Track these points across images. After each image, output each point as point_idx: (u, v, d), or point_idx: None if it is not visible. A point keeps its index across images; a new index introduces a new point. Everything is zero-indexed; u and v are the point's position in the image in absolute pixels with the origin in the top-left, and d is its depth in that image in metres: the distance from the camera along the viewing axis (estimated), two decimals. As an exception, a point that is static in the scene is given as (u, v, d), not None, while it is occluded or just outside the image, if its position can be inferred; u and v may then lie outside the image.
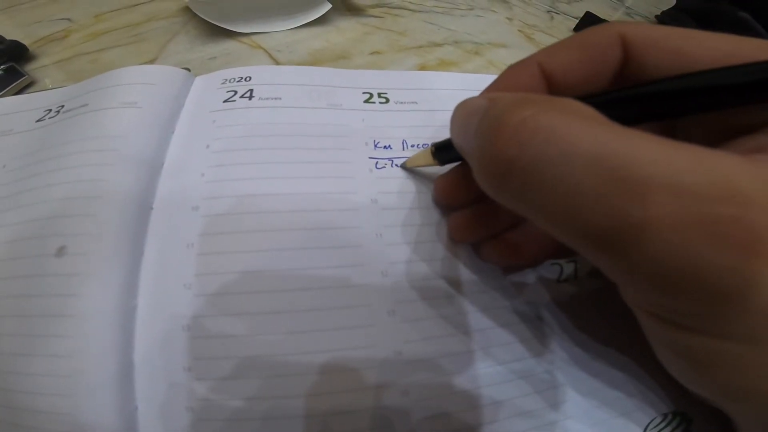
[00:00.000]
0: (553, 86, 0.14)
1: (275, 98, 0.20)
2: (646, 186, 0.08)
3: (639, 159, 0.09)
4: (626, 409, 0.17)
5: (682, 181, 0.08)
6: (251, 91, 0.20)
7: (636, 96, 0.12)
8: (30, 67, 0.25)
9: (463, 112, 0.13)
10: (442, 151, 0.17)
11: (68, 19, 0.28)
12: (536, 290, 0.18)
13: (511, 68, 0.15)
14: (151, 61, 0.25)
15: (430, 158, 0.18)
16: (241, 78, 0.21)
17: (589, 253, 0.10)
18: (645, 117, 0.12)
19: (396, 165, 0.19)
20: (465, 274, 0.18)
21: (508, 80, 0.15)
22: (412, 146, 0.20)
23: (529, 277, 0.18)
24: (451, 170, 0.17)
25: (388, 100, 0.21)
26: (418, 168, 0.19)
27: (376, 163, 0.19)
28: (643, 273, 0.09)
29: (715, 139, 0.12)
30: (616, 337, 0.18)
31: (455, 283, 0.17)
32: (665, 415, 0.17)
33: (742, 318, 0.09)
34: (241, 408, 0.15)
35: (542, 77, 0.14)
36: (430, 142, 0.20)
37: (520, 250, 0.17)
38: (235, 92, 0.20)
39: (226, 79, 0.21)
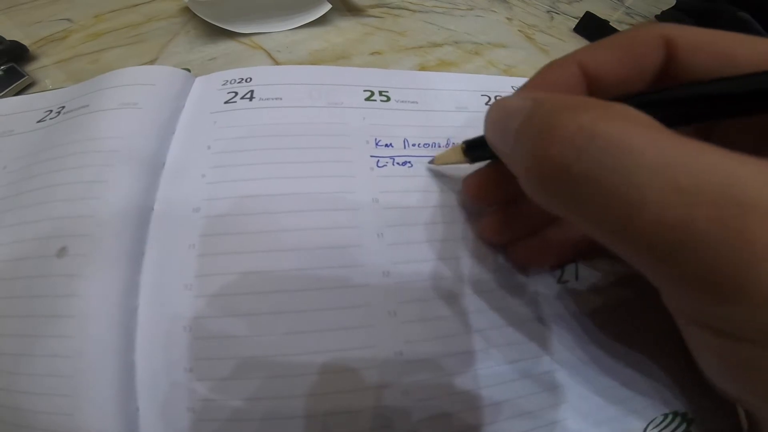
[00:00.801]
0: (593, 85, 0.14)
1: (276, 98, 0.20)
2: (715, 198, 0.08)
3: (706, 171, 0.09)
4: (626, 410, 0.17)
5: (749, 194, 0.08)
6: (252, 92, 0.20)
7: (685, 97, 0.12)
8: (30, 68, 0.25)
9: (501, 111, 0.13)
10: (474, 149, 0.17)
11: (68, 20, 0.28)
12: (537, 291, 0.18)
13: (550, 66, 0.15)
14: (152, 62, 0.26)
15: (460, 155, 0.17)
16: (242, 79, 0.21)
17: (641, 260, 0.10)
18: (692, 118, 0.12)
19: (397, 163, 0.19)
20: (466, 274, 0.18)
21: (547, 78, 0.15)
22: (413, 145, 0.20)
23: (530, 278, 0.18)
24: (483, 169, 0.17)
25: (389, 99, 0.21)
26: (446, 165, 0.19)
27: (378, 161, 0.19)
28: (699, 282, 0.09)
29: (755, 144, 0.12)
30: (616, 338, 0.18)
31: (456, 284, 0.17)
32: (665, 415, 0.17)
33: None
34: (242, 408, 0.15)
35: (582, 76, 0.14)
36: (430, 141, 0.20)
37: (548, 252, 0.17)
38: (236, 93, 0.20)
39: (227, 80, 0.21)
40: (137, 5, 0.30)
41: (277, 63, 0.26)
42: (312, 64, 0.26)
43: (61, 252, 0.16)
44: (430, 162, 0.20)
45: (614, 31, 0.32)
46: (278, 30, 0.28)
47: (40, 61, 0.25)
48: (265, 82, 0.20)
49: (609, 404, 0.17)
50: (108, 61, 0.26)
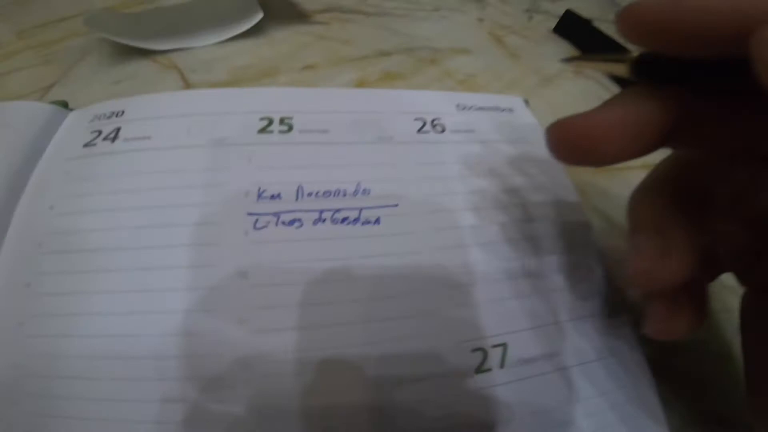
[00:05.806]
0: None
1: (144, 137, 0.16)
2: None
3: None
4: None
5: None
6: (118, 130, 0.17)
7: None
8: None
9: None
10: (650, 65, 0.11)
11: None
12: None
13: None
14: (49, 87, 0.23)
15: (622, 68, 0.11)
16: (113, 113, 0.17)
17: None
18: None
19: (282, 223, 0.15)
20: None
21: None
22: (309, 194, 0.16)
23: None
24: (655, 243, 0.12)
25: (291, 128, 0.18)
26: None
27: (256, 221, 0.15)
28: None
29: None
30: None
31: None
32: None
33: None
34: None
35: None
36: (334, 187, 0.17)
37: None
38: (99, 133, 0.17)
39: (97, 115, 0.17)
40: (64, 19, 0.28)
41: (188, 85, 0.23)
42: (230, 84, 0.23)
43: None
44: (565, 60, 0.14)
45: (597, 30, 0.27)
46: (204, 44, 0.25)
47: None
48: (138, 116, 0.17)
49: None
50: (8, 86, 0.23)
